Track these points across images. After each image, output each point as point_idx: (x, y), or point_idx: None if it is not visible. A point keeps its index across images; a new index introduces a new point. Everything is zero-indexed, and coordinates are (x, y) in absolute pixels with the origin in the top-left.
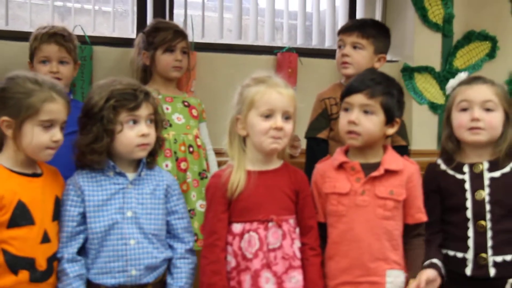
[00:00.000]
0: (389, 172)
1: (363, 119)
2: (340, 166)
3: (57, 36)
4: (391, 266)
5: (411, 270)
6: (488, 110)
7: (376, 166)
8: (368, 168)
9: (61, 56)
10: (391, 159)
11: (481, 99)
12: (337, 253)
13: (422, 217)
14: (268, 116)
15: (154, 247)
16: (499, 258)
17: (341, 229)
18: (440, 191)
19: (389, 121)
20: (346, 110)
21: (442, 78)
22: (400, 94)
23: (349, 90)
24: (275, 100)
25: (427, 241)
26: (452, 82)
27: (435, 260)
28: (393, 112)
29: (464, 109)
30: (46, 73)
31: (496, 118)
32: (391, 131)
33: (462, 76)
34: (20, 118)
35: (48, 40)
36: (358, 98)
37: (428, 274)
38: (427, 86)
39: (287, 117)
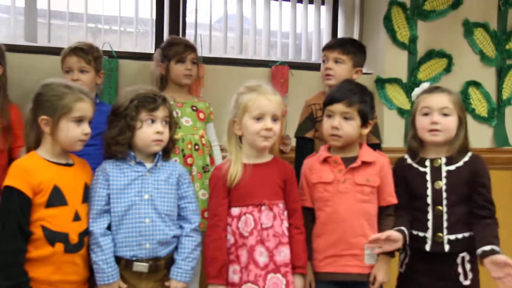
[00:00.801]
0: (365, 164)
1: (343, 124)
2: (325, 160)
3: (76, 49)
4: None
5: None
6: (445, 115)
7: (354, 159)
8: (348, 161)
9: (80, 66)
10: (366, 153)
11: (439, 105)
12: (324, 232)
13: (392, 200)
14: (259, 118)
15: (166, 225)
16: (452, 237)
17: (327, 212)
18: (406, 181)
19: (364, 123)
20: (329, 116)
21: (408, 88)
22: (372, 100)
23: (331, 100)
24: (264, 105)
25: (397, 219)
26: (416, 91)
27: (402, 227)
28: (367, 116)
29: (426, 114)
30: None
31: (451, 122)
32: (365, 131)
33: (425, 85)
34: (56, 116)
35: (69, 53)
36: (338, 107)
37: (392, 232)
38: (396, 94)
39: (275, 119)
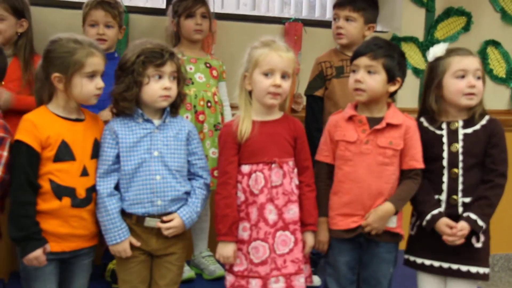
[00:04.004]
0: (390, 126)
1: (367, 78)
2: (350, 118)
3: (103, 3)
4: None
5: (391, 197)
6: (478, 78)
7: (379, 120)
8: (373, 121)
9: (107, 21)
10: (393, 115)
11: (474, 68)
12: (340, 190)
13: (415, 164)
14: (268, 74)
15: (177, 182)
16: (467, 199)
17: (346, 170)
18: (422, 144)
19: (390, 79)
20: (354, 71)
21: (424, 47)
22: (401, 57)
23: (356, 54)
24: (275, 61)
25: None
26: (436, 51)
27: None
28: (393, 72)
29: (461, 77)
30: (94, 35)
31: (482, 85)
32: (393, 88)
33: (444, 46)
34: (69, 73)
35: (96, 6)
36: (362, 60)
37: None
38: (411, 53)
39: (284, 76)
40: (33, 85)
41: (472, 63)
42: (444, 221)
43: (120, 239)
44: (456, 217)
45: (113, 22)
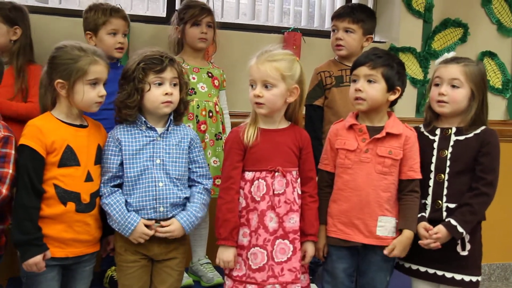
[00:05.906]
0: (390, 135)
1: (367, 87)
2: (350, 127)
3: (121, 11)
4: (384, 213)
5: (401, 221)
6: (453, 86)
7: (380, 129)
8: (373, 130)
9: (125, 30)
10: (393, 124)
11: (449, 77)
12: (340, 198)
13: (413, 175)
14: (253, 85)
15: (178, 189)
16: (451, 205)
17: (346, 179)
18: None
19: (390, 89)
20: (354, 81)
21: (421, 57)
22: (400, 66)
23: (356, 64)
24: (253, 72)
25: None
26: (438, 60)
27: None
28: (393, 81)
29: (436, 84)
30: (115, 44)
31: (459, 94)
32: (392, 97)
33: (449, 55)
34: (72, 80)
35: (117, 15)
36: (362, 70)
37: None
38: (409, 64)
39: (268, 86)
40: (25, 93)
41: (449, 71)
42: (423, 224)
43: (133, 227)
44: (440, 222)
45: (127, 32)
